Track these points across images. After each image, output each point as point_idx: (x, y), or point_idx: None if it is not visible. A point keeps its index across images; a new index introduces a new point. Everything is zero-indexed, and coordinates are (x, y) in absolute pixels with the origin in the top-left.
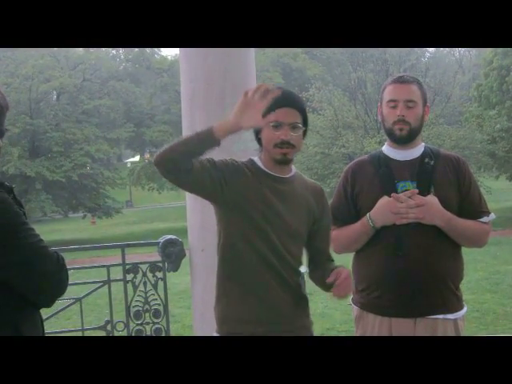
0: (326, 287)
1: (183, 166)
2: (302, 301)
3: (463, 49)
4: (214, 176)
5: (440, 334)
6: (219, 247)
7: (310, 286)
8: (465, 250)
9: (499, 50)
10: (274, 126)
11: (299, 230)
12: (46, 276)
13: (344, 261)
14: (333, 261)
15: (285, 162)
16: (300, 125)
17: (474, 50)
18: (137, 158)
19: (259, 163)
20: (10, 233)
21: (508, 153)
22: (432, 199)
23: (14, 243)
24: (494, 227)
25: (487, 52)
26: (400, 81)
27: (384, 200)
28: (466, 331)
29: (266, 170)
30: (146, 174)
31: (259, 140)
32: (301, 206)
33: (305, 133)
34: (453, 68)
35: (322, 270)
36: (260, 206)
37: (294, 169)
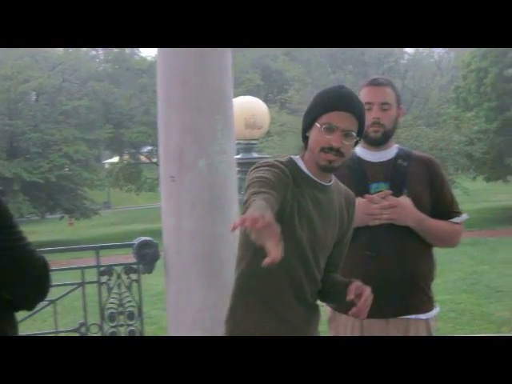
0: (325, 298)
1: None
2: (316, 314)
3: (442, 51)
4: (279, 206)
5: (412, 334)
6: (243, 257)
7: None
8: (441, 251)
9: (477, 52)
10: (326, 129)
11: (330, 242)
12: (34, 280)
13: None
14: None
15: (328, 169)
16: (354, 133)
17: (452, 52)
18: (115, 159)
19: (301, 164)
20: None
21: (485, 154)
22: (405, 200)
23: (4, 246)
24: (471, 228)
25: (465, 54)
26: (375, 83)
27: (357, 201)
28: (443, 331)
29: (308, 173)
30: (125, 175)
31: (306, 138)
32: (335, 218)
33: (356, 143)
34: (431, 70)
35: (329, 280)
36: (298, 217)
37: (333, 176)
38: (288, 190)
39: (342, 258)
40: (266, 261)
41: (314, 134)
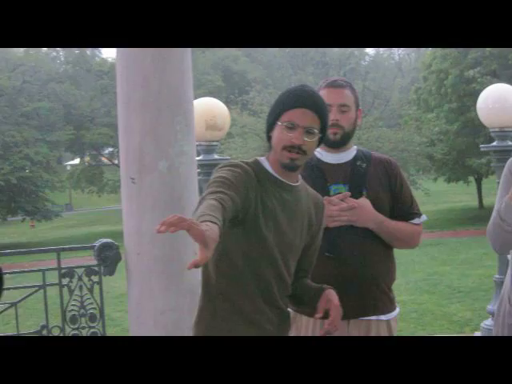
0: (298, 303)
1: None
2: (287, 319)
3: (403, 52)
4: (238, 203)
5: (373, 334)
6: (212, 258)
7: None
8: (403, 252)
9: (438, 53)
10: (287, 127)
11: (299, 244)
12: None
13: None
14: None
15: (292, 168)
16: (316, 130)
17: (413, 54)
18: (77, 161)
19: (266, 165)
20: None
21: (446, 155)
22: (364, 202)
23: None
24: (432, 229)
25: (426, 55)
26: (333, 85)
27: None
28: (404, 332)
29: (274, 173)
30: (86, 176)
31: (270, 138)
32: (303, 219)
33: (320, 141)
34: (392, 71)
35: (300, 286)
36: (264, 217)
37: (300, 177)
38: (250, 190)
39: (313, 263)
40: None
41: (276, 133)
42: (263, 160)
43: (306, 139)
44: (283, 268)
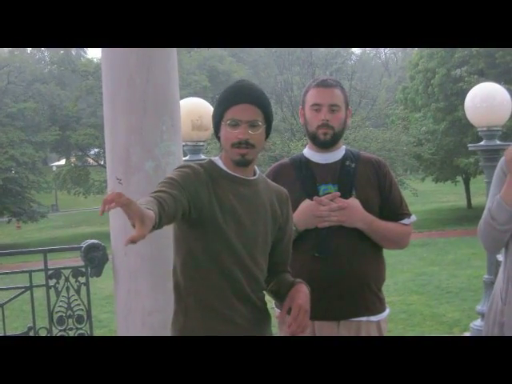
0: (280, 300)
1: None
2: (264, 316)
3: (389, 51)
4: (184, 202)
5: (363, 335)
6: (179, 261)
7: None
8: (391, 252)
9: (425, 52)
10: (230, 125)
11: (265, 238)
12: None
13: None
14: (289, 272)
15: (244, 163)
16: (260, 122)
17: (399, 53)
18: (62, 162)
19: (220, 164)
20: None
21: (434, 155)
22: (353, 202)
23: None
24: (421, 229)
25: (413, 55)
26: (324, 85)
27: (306, 203)
28: (394, 332)
29: (227, 170)
30: (72, 177)
31: (219, 139)
32: (266, 212)
33: (268, 130)
34: (379, 71)
35: (277, 281)
36: (221, 213)
37: (258, 171)
38: (201, 188)
39: (288, 256)
40: (125, 240)
41: (222, 133)
42: (217, 159)
43: (250, 133)
44: (250, 263)
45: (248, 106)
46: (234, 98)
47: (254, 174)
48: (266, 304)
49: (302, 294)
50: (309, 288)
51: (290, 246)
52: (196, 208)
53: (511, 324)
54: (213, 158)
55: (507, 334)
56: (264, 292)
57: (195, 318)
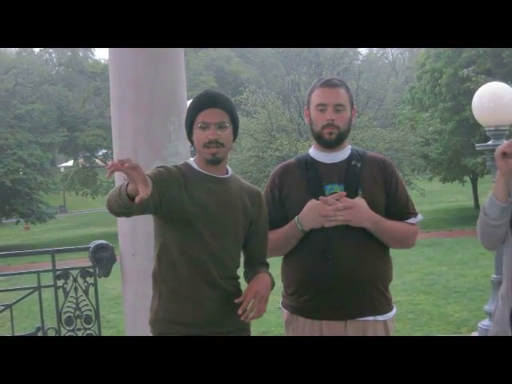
0: None
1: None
2: (231, 299)
3: (396, 52)
4: (155, 195)
5: (370, 335)
6: (156, 252)
7: None
8: (399, 252)
9: (432, 52)
10: (201, 127)
11: (236, 229)
12: None
13: None
14: (267, 264)
15: (215, 161)
16: (227, 124)
17: (407, 53)
18: (70, 163)
19: (194, 165)
20: None
21: (441, 155)
22: (360, 201)
23: None
24: (428, 229)
25: (420, 55)
26: (329, 84)
27: (312, 203)
28: (401, 332)
29: (199, 169)
30: (80, 178)
31: (192, 142)
32: (236, 207)
33: (235, 131)
34: (386, 71)
35: (252, 273)
36: (192, 206)
37: (230, 171)
38: (173, 185)
39: (264, 249)
40: (137, 198)
41: (195, 136)
42: (191, 161)
43: (219, 133)
44: (219, 250)
45: (215, 110)
46: (202, 104)
47: (227, 173)
48: (239, 290)
49: (261, 281)
50: (273, 280)
51: (266, 239)
52: (167, 202)
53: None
54: (188, 160)
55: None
56: (238, 280)
57: (167, 302)
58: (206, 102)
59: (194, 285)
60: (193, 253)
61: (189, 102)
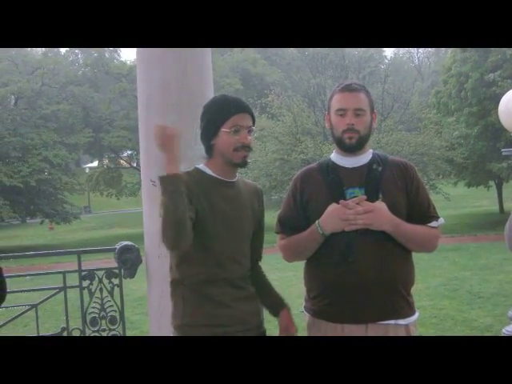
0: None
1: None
2: (254, 300)
3: (422, 55)
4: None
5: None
6: (174, 261)
7: None
8: (423, 257)
9: (458, 56)
10: (234, 131)
11: (248, 230)
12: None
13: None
14: (259, 261)
15: (244, 165)
16: (253, 129)
17: (433, 57)
18: (95, 164)
19: (207, 170)
20: None
21: (466, 159)
22: (380, 205)
23: None
24: (453, 233)
25: (446, 59)
26: (349, 89)
27: (333, 207)
28: None
29: (216, 175)
30: (105, 179)
31: (210, 147)
32: (247, 208)
33: None
34: (412, 75)
35: (259, 281)
36: (212, 214)
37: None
38: (193, 196)
39: (262, 243)
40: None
41: (223, 139)
42: (203, 167)
43: (249, 138)
44: (238, 252)
45: (246, 115)
46: (234, 109)
47: (235, 177)
48: (251, 287)
49: (287, 319)
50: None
51: (263, 236)
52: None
53: None
54: (198, 166)
55: None
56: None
57: (192, 306)
58: (238, 106)
59: (216, 286)
60: (215, 257)
61: None
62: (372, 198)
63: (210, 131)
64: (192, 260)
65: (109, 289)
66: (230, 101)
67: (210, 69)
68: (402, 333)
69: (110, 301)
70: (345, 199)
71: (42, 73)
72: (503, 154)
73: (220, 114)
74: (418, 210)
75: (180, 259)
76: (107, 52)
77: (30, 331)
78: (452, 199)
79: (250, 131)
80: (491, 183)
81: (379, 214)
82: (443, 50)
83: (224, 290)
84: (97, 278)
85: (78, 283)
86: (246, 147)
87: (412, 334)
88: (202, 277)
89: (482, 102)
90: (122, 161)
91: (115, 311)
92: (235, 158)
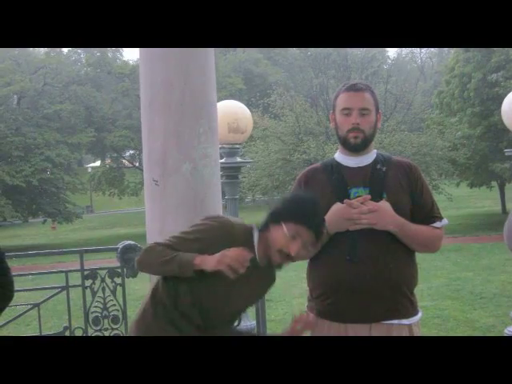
0: None
1: None
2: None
3: (425, 56)
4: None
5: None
6: (164, 289)
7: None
8: (425, 257)
9: (461, 56)
10: (291, 236)
11: (242, 309)
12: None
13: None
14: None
15: (279, 269)
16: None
17: (435, 57)
18: (98, 163)
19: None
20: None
21: (469, 160)
22: (384, 205)
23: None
24: (455, 234)
25: (449, 59)
26: (354, 89)
27: (337, 206)
28: None
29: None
30: (107, 179)
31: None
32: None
33: None
34: (414, 75)
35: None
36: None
37: None
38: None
39: None
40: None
41: (276, 236)
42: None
43: (297, 250)
44: (222, 318)
45: (310, 233)
46: (309, 224)
47: None
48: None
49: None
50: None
51: None
52: None
53: None
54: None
55: None
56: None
57: (160, 322)
58: (312, 223)
59: (188, 327)
60: (198, 312)
61: (218, 104)
62: (376, 197)
63: (275, 219)
64: (179, 297)
65: (111, 288)
66: (314, 215)
67: (213, 69)
68: (405, 332)
69: (112, 300)
70: (349, 199)
71: (44, 72)
72: (506, 154)
73: (295, 216)
74: (422, 210)
75: (169, 288)
76: (110, 52)
77: (32, 330)
78: (454, 199)
79: (304, 245)
80: (494, 184)
81: (383, 214)
82: (446, 50)
83: (193, 332)
84: (99, 278)
85: (80, 282)
86: (291, 258)
87: (415, 334)
88: (177, 315)
89: (484, 102)
90: (124, 160)
91: (118, 310)
92: (275, 259)
